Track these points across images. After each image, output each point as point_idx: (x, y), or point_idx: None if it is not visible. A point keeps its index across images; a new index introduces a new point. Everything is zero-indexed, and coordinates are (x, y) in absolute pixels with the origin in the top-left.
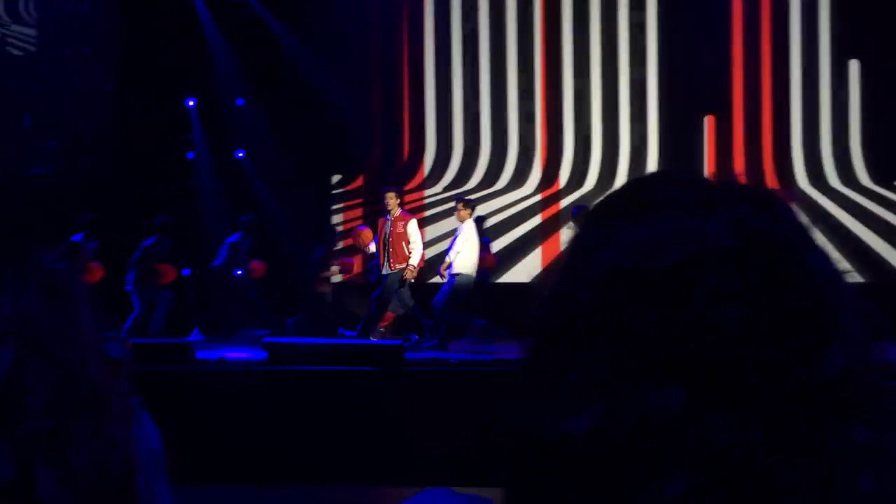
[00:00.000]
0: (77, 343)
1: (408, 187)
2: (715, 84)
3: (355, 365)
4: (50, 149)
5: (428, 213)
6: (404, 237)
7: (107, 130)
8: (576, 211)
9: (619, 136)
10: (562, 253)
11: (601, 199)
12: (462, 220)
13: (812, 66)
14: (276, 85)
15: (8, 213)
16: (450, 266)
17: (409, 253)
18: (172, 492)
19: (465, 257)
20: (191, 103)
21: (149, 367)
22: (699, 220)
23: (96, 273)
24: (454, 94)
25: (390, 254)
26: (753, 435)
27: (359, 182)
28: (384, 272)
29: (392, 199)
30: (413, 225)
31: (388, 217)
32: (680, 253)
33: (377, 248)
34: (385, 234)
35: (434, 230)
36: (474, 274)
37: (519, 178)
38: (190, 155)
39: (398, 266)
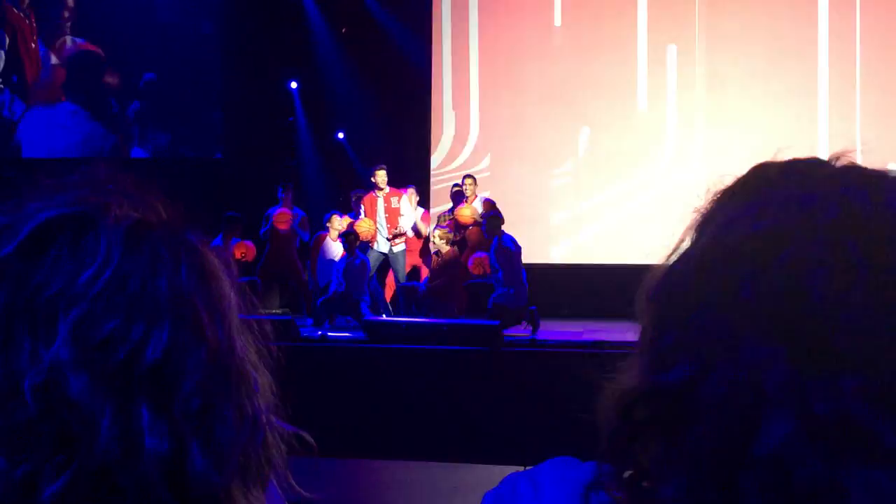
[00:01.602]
0: (224, 322)
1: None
2: None
3: (453, 344)
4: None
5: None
6: (398, 212)
7: (213, 112)
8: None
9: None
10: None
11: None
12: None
13: None
14: (377, 66)
15: (150, 194)
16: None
17: (401, 227)
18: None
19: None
20: (293, 85)
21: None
22: (791, 193)
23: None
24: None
25: (388, 230)
26: (855, 404)
27: (459, 161)
28: (383, 250)
29: (382, 176)
30: (405, 200)
31: (377, 193)
32: (773, 222)
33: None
34: (379, 210)
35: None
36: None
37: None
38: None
39: (397, 242)
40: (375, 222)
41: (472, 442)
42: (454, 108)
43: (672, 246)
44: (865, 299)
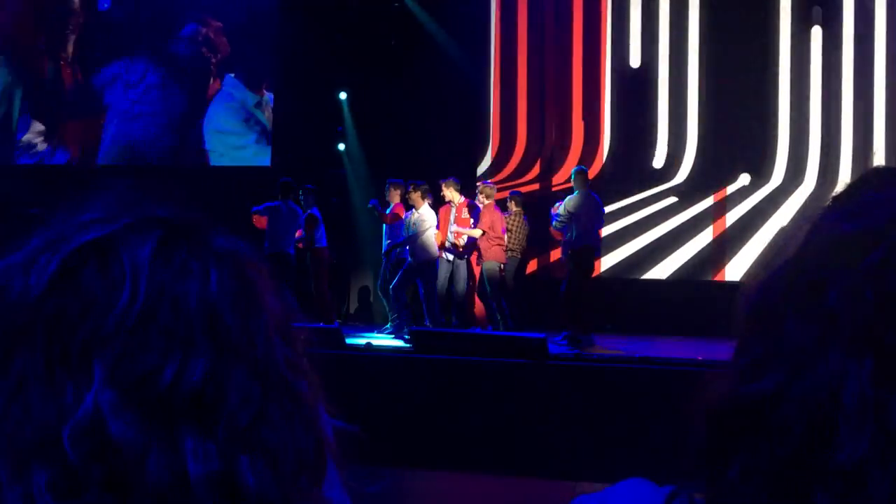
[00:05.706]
0: (263, 327)
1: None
2: None
3: (499, 356)
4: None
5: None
6: (468, 223)
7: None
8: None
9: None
10: None
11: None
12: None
13: None
14: (424, 78)
15: (178, 199)
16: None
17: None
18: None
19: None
20: (342, 96)
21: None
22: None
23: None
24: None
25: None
26: None
27: (506, 172)
28: (450, 257)
29: (452, 189)
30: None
31: (452, 205)
32: (864, 223)
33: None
34: (451, 220)
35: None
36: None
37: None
38: (341, 146)
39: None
40: (447, 232)
41: (516, 454)
42: (501, 120)
43: (774, 254)
44: None
